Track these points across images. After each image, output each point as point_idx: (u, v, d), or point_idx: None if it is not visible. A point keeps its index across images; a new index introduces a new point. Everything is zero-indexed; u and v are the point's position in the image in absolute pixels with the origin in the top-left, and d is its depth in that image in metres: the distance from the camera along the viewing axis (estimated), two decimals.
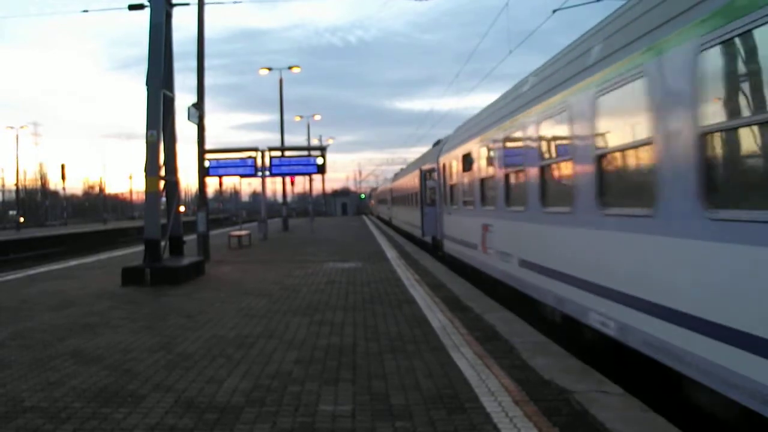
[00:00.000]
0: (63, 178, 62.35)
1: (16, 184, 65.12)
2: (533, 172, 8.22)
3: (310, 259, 17.72)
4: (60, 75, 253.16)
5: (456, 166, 14.44)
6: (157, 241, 13.27)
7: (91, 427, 4.39)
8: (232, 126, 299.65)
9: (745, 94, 4.03)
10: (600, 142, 6.14)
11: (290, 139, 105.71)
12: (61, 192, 69.92)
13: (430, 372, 5.61)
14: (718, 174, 4.26)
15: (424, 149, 30.49)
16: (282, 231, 35.35)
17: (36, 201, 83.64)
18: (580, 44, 7.25)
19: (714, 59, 4.17)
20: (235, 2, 18.68)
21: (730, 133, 4.14)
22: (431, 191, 19.62)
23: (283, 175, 29.61)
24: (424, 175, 20.80)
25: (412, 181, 25.36)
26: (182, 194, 16.44)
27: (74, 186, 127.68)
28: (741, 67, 4.04)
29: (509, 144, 9.64)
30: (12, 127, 72.99)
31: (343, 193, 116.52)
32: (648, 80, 5.09)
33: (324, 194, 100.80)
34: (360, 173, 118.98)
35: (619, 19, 6.11)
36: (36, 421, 4.53)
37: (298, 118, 51.60)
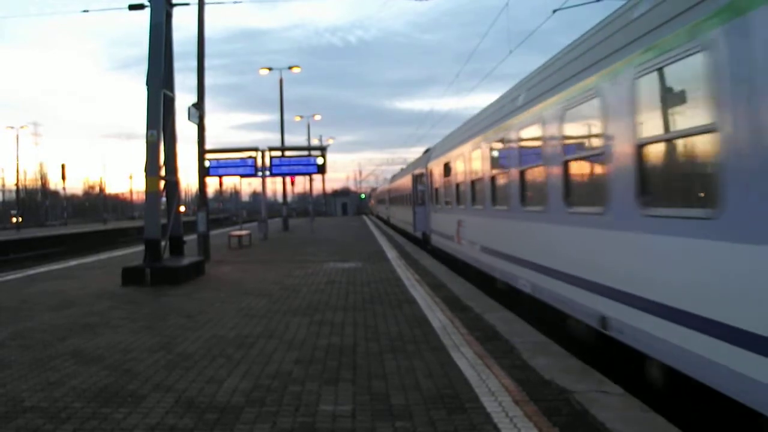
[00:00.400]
0: (63, 178, 62.33)
1: (17, 184, 65.15)
2: (491, 179, 10.89)
3: (310, 259, 17.72)
4: (60, 75, 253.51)
5: (439, 172, 17.20)
6: (158, 241, 13.27)
7: (91, 427, 4.39)
8: (232, 126, 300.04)
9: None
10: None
11: (290, 139, 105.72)
12: (62, 192, 69.91)
13: (430, 372, 5.61)
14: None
15: (424, 149, 30.63)
16: (282, 231, 35.35)
17: (36, 201, 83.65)
18: (530, 80, 9.16)
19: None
20: (235, 2, 18.69)
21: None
22: (421, 193, 22.22)
23: (283, 175, 29.62)
24: (416, 179, 23.46)
25: (405, 183, 28.51)
26: (182, 194, 16.44)
27: (74, 186, 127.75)
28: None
29: (474, 157, 12.36)
30: (12, 127, 73.14)
31: (344, 193, 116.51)
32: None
33: (324, 194, 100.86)
34: (360, 173, 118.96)
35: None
36: (36, 421, 4.53)
37: (298, 118, 51.66)
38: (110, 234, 45.27)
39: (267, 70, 34.39)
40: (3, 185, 74.99)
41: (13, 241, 33.70)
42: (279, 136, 37.05)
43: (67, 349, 6.84)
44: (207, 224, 17.48)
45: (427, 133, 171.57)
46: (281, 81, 36.17)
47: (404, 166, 43.90)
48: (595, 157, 6.29)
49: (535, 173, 8.27)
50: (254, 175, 27.01)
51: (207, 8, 17.47)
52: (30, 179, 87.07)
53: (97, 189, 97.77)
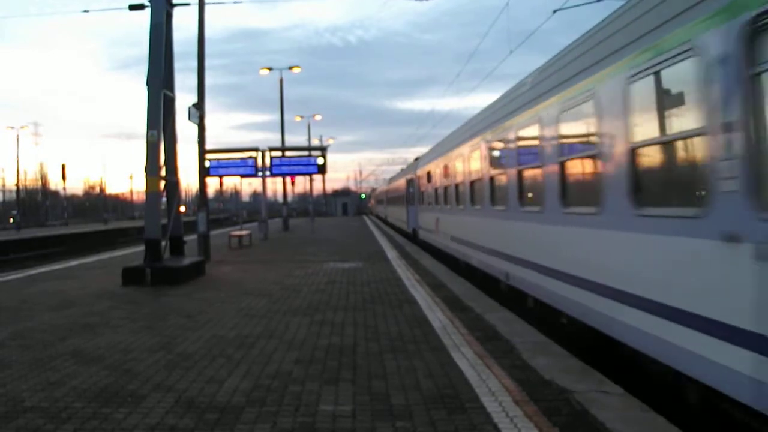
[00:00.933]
0: (63, 178, 62.36)
1: (17, 184, 65.16)
2: (454, 186, 14.93)
3: (310, 259, 17.73)
4: (60, 75, 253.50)
5: (424, 178, 21.35)
6: (158, 241, 13.28)
7: (92, 427, 4.39)
8: (232, 126, 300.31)
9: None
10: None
11: (291, 139, 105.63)
12: (62, 192, 69.93)
13: (430, 372, 5.61)
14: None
15: (424, 149, 31.22)
16: (282, 231, 35.35)
17: (36, 201, 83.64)
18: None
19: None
20: (235, 2, 18.69)
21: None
22: (412, 195, 25.95)
23: (283, 175, 29.61)
24: (408, 183, 27.20)
25: (400, 186, 33.01)
26: (183, 194, 16.44)
27: (75, 186, 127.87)
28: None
29: (442, 169, 16.80)
30: (12, 127, 73.13)
31: (344, 193, 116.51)
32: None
33: (324, 194, 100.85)
34: (360, 173, 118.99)
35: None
36: (36, 421, 4.53)
37: (298, 118, 51.65)
38: (110, 234, 45.26)
39: (267, 70, 34.37)
40: (3, 185, 75.05)
41: (13, 241, 33.71)
42: (279, 136, 37.11)
43: (68, 349, 6.85)
44: (207, 224, 17.48)
45: (428, 133, 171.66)
46: (281, 81, 36.20)
47: (404, 166, 44.05)
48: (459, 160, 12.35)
49: (469, 185, 13.09)
50: (254, 175, 27.00)
51: (207, 8, 17.48)
52: (30, 179, 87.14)
53: (98, 189, 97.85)
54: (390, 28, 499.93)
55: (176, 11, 15.10)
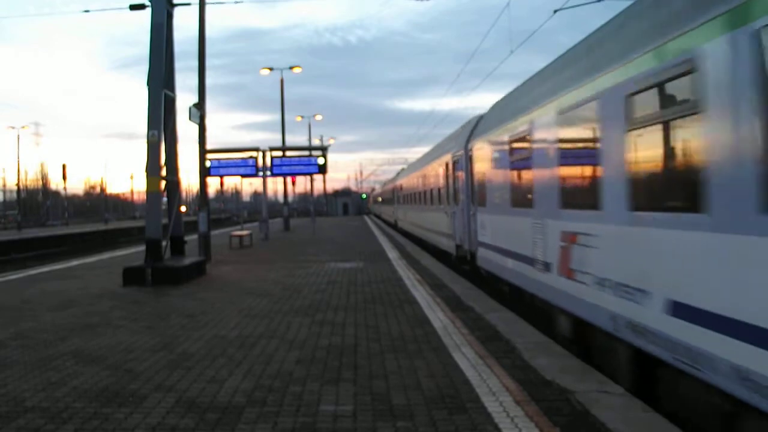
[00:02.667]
0: (64, 178, 62.40)
1: (17, 184, 65.19)
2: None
3: (311, 259, 17.73)
4: (61, 75, 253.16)
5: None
6: (159, 241, 13.28)
7: (93, 427, 4.39)
8: (232, 126, 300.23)
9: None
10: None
11: (291, 139, 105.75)
12: (63, 192, 69.95)
13: (431, 372, 5.61)
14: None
15: (425, 149, 30.04)
16: (283, 231, 35.36)
17: (37, 201, 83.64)
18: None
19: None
20: (236, 2, 18.70)
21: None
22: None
23: (284, 175, 29.58)
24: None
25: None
26: (183, 194, 16.44)
27: (75, 186, 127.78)
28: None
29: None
30: (13, 127, 73.03)
31: (345, 193, 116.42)
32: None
33: (325, 194, 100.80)
34: (361, 173, 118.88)
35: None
36: (37, 421, 4.53)
37: (299, 118, 51.71)
38: (111, 234, 45.31)
39: (268, 70, 34.36)
40: (4, 185, 75.06)
41: (14, 242, 33.73)
42: (280, 136, 37.05)
43: (69, 349, 6.85)
44: (208, 224, 17.47)
45: (429, 133, 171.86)
46: (282, 81, 36.16)
47: (404, 167, 43.09)
48: None
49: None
50: (255, 175, 26.99)
51: (207, 8, 17.47)
52: (31, 179, 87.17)
53: (99, 189, 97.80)
54: (390, 28, 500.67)
55: (176, 11, 15.12)
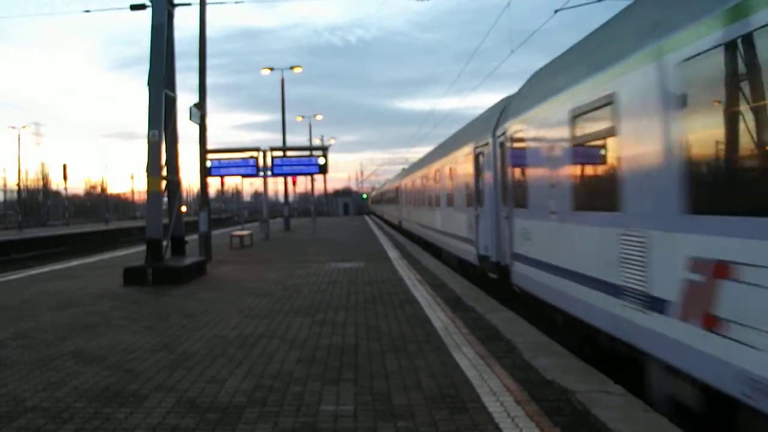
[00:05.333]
0: (65, 178, 62.26)
1: (18, 184, 65.21)
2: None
3: (311, 259, 17.72)
4: (61, 74, 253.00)
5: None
6: (159, 241, 13.28)
7: (93, 427, 4.39)
8: (233, 126, 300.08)
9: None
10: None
11: (292, 139, 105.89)
12: (63, 192, 69.93)
13: (432, 372, 5.60)
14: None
15: (426, 149, 29.12)
16: (284, 231, 35.36)
17: (38, 201, 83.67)
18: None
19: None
20: (236, 2, 18.70)
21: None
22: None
23: (284, 175, 29.55)
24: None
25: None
26: (184, 194, 16.44)
27: (76, 186, 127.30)
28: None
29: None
30: (14, 127, 73.07)
31: (345, 193, 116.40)
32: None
33: (326, 194, 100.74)
34: (362, 173, 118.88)
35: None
36: (38, 421, 4.53)
37: (299, 118, 51.73)
38: (112, 234, 45.31)
39: (268, 70, 34.35)
40: (5, 185, 75.08)
41: (15, 241, 33.74)
42: (280, 136, 37.01)
43: (69, 349, 6.85)
44: (209, 224, 17.48)
45: (429, 133, 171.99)
46: (282, 81, 36.12)
47: (405, 167, 42.63)
48: None
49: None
50: (256, 175, 27.00)
51: (208, 8, 17.48)
52: (32, 179, 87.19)
53: (99, 189, 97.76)
54: (390, 28, 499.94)
55: (177, 11, 15.11)
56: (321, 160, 27.01)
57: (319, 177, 49.14)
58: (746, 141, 4.00)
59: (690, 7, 4.68)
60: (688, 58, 4.45)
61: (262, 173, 26.90)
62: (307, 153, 27.73)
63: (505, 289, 10.33)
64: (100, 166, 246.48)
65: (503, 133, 10.55)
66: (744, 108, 3.98)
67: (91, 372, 5.89)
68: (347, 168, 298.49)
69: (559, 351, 6.20)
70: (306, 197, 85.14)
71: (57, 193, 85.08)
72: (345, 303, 9.67)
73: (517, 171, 9.68)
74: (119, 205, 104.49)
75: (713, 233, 4.19)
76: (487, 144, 11.85)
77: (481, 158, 12.46)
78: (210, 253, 17.08)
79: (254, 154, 26.45)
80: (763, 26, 3.68)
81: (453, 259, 16.07)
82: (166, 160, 13.92)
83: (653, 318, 5.02)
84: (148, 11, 14.17)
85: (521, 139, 9.30)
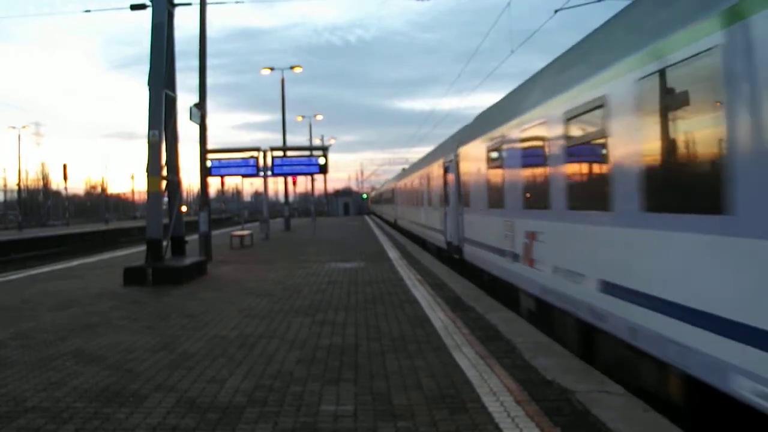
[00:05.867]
0: (65, 178, 62.31)
1: (18, 184, 65.23)
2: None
3: (311, 259, 17.73)
4: (61, 74, 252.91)
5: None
6: (159, 241, 13.28)
7: (93, 427, 4.39)
8: (233, 126, 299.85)
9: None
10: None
11: (292, 139, 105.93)
12: (63, 192, 69.98)
13: (432, 372, 5.60)
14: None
15: (426, 149, 30.18)
16: (284, 231, 35.37)
17: (38, 201, 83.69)
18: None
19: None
20: (236, 2, 18.70)
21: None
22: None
23: (285, 175, 29.55)
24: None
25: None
26: (184, 194, 16.45)
27: (76, 186, 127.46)
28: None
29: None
30: (14, 127, 73.09)
31: (345, 193, 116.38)
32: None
33: (326, 194, 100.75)
34: (362, 173, 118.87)
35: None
36: (38, 421, 4.53)
37: (299, 118, 51.75)
38: (112, 234, 45.33)
39: (269, 70, 34.34)
40: (5, 185, 75.11)
41: (15, 242, 33.75)
42: (280, 136, 37.00)
43: (69, 349, 6.85)
44: (209, 224, 17.48)
45: (429, 133, 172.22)
46: (282, 81, 36.11)
47: (404, 167, 43.25)
48: None
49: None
50: (256, 175, 27.00)
51: (208, 8, 17.48)
52: (32, 179, 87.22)
53: (99, 189, 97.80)
54: (389, 28, 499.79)
55: (177, 11, 15.12)
56: (321, 160, 27.02)
57: (319, 177, 49.03)
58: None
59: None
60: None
61: (262, 173, 26.90)
62: (307, 153, 27.73)
63: (460, 264, 14.68)
64: (100, 166, 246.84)
65: (457, 154, 14.88)
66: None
67: (91, 372, 5.89)
68: (347, 168, 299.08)
69: (559, 351, 6.20)
70: (306, 197, 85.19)
71: (57, 193, 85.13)
72: (345, 303, 9.67)
73: (464, 180, 14.06)
74: (119, 205, 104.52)
75: (531, 218, 8.49)
76: (451, 160, 15.67)
77: (449, 170, 16.31)
78: (210, 253, 17.08)
79: (254, 154, 26.45)
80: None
81: (432, 246, 20.42)
82: (166, 160, 13.92)
83: (515, 265, 9.29)
84: (148, 11, 14.20)
85: (465, 159, 13.82)
